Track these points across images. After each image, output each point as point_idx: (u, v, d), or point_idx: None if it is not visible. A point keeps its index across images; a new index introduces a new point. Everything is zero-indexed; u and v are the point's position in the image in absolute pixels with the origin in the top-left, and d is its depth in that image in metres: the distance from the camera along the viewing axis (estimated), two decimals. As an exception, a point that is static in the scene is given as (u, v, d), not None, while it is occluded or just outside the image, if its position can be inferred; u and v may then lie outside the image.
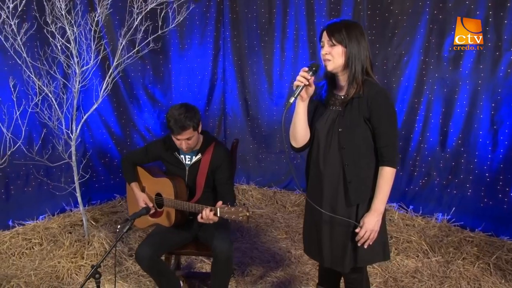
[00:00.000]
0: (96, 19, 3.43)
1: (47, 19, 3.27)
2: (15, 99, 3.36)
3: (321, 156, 2.13)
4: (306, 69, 2.03)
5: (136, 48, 3.62)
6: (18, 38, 3.17)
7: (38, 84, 3.33)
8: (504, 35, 3.58)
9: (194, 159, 2.77)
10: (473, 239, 3.71)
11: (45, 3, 3.26)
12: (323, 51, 2.05)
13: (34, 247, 3.61)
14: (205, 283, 3.12)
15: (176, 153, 2.80)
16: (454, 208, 4.01)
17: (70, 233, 3.75)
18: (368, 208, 2.09)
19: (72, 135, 3.47)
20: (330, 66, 2.04)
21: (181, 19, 3.75)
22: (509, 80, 3.64)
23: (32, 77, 3.32)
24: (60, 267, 3.30)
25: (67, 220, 3.99)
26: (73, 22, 3.27)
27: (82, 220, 3.73)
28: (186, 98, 4.76)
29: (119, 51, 3.47)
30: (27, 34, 3.23)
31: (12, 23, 3.12)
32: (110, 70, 3.51)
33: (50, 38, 3.36)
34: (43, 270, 3.28)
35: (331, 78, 2.15)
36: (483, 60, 3.71)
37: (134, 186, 2.87)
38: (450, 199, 4.04)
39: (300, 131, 2.15)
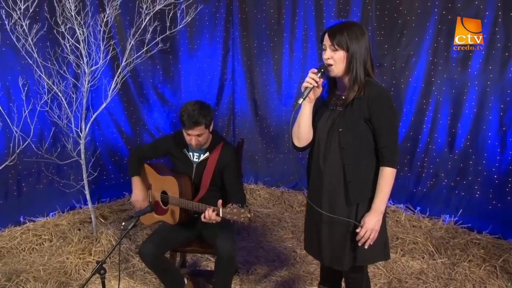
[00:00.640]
0: (105, 19, 3.48)
1: (58, 20, 3.33)
2: (24, 98, 3.44)
3: (322, 155, 2.14)
4: (315, 70, 2.04)
5: (145, 48, 3.67)
6: (29, 39, 3.24)
7: (49, 83, 3.40)
8: (513, 36, 3.55)
9: (202, 157, 2.81)
10: (480, 242, 3.68)
11: (55, 4, 3.33)
12: (325, 55, 2.05)
13: (44, 243, 3.69)
14: (209, 281, 3.14)
15: (185, 149, 2.83)
16: (461, 210, 3.97)
17: (79, 230, 3.83)
18: (368, 207, 2.10)
19: (81, 133, 3.54)
20: (333, 73, 2.06)
21: (189, 19, 3.78)
22: (517, 81, 3.60)
23: (42, 77, 3.39)
24: (68, 263, 3.36)
25: (76, 217, 4.06)
26: (82, 23, 3.33)
27: (91, 217, 3.80)
28: (195, 98, 4.74)
29: (128, 51, 3.52)
30: (38, 34, 3.29)
31: (24, 24, 3.19)
32: (119, 70, 3.57)
33: (60, 39, 3.42)
34: (51, 266, 3.35)
35: (332, 79, 2.16)
36: (492, 61, 3.67)
37: (135, 179, 2.89)
38: (458, 200, 4.00)
39: (304, 131, 2.16)
